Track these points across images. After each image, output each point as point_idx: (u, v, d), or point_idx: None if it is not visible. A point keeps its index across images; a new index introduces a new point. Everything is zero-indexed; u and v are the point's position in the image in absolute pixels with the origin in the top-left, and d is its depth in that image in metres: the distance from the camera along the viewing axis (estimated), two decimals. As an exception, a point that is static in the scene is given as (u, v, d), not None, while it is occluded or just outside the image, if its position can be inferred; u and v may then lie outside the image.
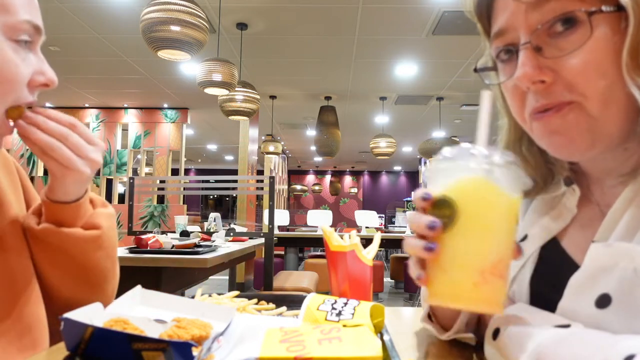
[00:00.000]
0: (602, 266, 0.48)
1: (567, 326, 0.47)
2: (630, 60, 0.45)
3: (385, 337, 0.52)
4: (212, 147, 11.63)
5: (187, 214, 6.56)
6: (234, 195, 12.62)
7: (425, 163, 10.89)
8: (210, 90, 3.48)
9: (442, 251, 0.42)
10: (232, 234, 3.23)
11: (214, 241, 2.83)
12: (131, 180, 3.13)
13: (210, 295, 0.73)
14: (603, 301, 0.47)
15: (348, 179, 16.18)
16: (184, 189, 8.31)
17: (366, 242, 0.73)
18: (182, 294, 1.07)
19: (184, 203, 6.99)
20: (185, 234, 2.89)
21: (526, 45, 0.49)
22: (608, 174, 0.56)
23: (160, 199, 7.22)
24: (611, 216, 0.50)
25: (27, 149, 6.84)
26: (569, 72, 0.47)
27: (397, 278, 6.40)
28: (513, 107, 0.55)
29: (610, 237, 0.50)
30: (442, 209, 0.42)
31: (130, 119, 7.09)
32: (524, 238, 0.61)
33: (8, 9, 0.60)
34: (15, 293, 0.66)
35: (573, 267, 0.51)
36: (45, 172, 6.85)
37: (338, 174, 16.21)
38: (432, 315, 0.67)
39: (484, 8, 0.57)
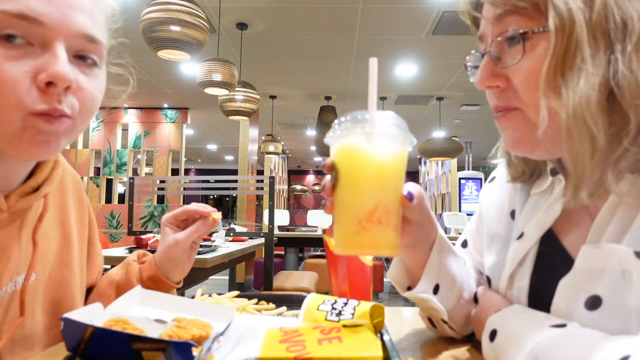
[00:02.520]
0: (592, 268, 0.49)
1: (564, 325, 0.47)
2: (546, 78, 0.47)
3: (385, 337, 0.52)
4: (212, 147, 11.63)
5: (187, 214, 6.54)
6: (234, 195, 12.61)
7: (425, 163, 10.89)
8: (210, 90, 3.48)
9: (335, 207, 0.50)
10: (232, 234, 3.23)
11: (214, 241, 2.82)
12: (131, 180, 3.12)
13: (210, 295, 0.73)
14: (593, 303, 0.48)
15: (348, 179, 16.16)
16: (184, 189, 8.31)
17: (366, 242, 0.73)
18: (182, 294, 1.07)
19: (184, 203, 6.98)
20: (185, 234, 2.88)
21: (487, 53, 0.54)
22: None
23: (160, 199, 7.21)
24: (600, 220, 0.51)
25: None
26: (516, 80, 0.52)
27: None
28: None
29: (600, 240, 0.50)
30: (332, 171, 0.50)
31: (130, 119, 7.08)
32: (521, 236, 0.62)
33: None
34: (61, 313, 0.72)
35: (570, 265, 0.52)
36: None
37: (338, 174, 16.19)
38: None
39: (472, 15, 0.62)
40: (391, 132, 0.49)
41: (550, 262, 0.57)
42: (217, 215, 0.80)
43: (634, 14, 0.45)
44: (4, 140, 0.53)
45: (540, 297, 0.56)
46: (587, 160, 0.46)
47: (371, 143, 0.48)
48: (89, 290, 0.84)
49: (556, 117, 0.47)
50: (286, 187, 12.52)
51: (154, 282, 0.79)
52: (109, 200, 6.91)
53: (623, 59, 0.45)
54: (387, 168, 0.49)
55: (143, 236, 2.28)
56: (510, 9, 0.50)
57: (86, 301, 0.83)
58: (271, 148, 6.87)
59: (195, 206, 0.81)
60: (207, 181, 9.38)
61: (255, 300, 0.73)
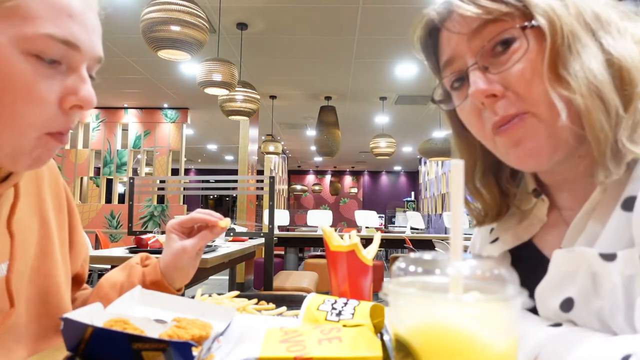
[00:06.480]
0: (566, 271, 0.50)
1: (559, 325, 0.48)
2: (549, 72, 0.49)
3: (385, 337, 0.52)
4: (212, 147, 11.63)
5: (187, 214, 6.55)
6: (234, 195, 12.62)
7: (425, 163, 10.86)
8: (210, 90, 3.48)
9: None
10: (232, 234, 3.23)
11: (213, 241, 2.82)
12: (131, 180, 3.12)
13: (210, 295, 0.73)
14: (567, 305, 0.49)
15: (348, 179, 16.18)
16: (184, 189, 8.31)
17: (366, 242, 0.73)
18: (182, 294, 1.07)
19: (184, 203, 6.98)
20: (185, 234, 2.88)
21: (474, 67, 0.53)
22: (566, 183, 0.57)
23: (160, 199, 7.21)
24: (574, 225, 0.52)
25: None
26: (515, 83, 0.51)
27: (397, 278, 6.37)
28: (473, 127, 0.58)
29: (574, 245, 0.51)
30: (399, 352, 0.32)
31: (130, 119, 7.08)
32: (495, 240, 0.63)
33: (25, 16, 0.49)
34: (49, 302, 0.71)
35: (547, 266, 0.53)
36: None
37: (338, 174, 16.21)
38: None
39: (430, 47, 0.63)
40: (502, 297, 0.30)
41: (526, 266, 0.58)
42: (224, 223, 0.79)
43: (601, 8, 0.50)
44: (8, 154, 0.53)
45: None
46: (607, 129, 0.47)
47: (482, 320, 0.29)
48: (75, 279, 0.82)
49: (571, 104, 0.48)
50: (286, 187, 12.52)
51: (157, 287, 0.78)
52: (109, 200, 6.91)
53: (613, 41, 0.49)
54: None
55: (143, 236, 2.28)
56: (491, 18, 0.51)
57: (86, 300, 0.83)
58: (271, 148, 6.87)
59: (202, 214, 0.79)
60: (207, 181, 9.38)
61: (255, 300, 0.73)
